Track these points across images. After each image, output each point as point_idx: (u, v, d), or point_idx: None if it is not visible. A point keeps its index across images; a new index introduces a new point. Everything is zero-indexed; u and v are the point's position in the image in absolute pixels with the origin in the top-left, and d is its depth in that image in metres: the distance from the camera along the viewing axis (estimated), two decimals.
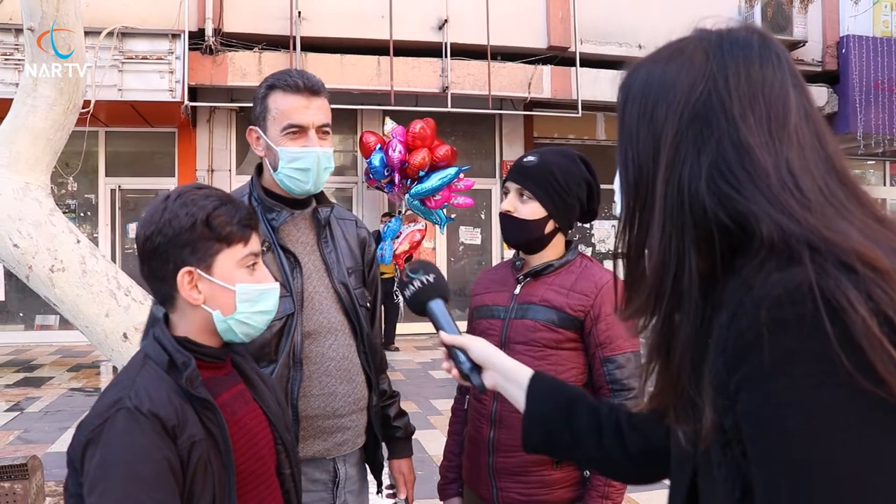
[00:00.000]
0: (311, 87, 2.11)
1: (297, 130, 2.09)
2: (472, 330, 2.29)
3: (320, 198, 2.27)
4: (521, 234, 2.16)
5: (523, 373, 1.42)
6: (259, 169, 2.22)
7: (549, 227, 2.16)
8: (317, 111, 2.12)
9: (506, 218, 2.17)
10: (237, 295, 1.56)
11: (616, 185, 1.07)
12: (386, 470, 2.40)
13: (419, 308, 1.62)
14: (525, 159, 2.17)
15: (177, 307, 1.58)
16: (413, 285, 1.63)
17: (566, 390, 1.40)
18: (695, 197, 0.91)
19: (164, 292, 1.57)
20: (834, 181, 0.89)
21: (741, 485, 0.84)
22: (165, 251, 1.52)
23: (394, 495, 2.40)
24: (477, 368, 1.48)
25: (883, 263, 0.78)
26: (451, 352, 1.51)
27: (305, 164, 2.09)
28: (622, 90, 1.03)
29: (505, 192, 2.21)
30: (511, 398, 1.43)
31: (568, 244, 2.24)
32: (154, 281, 1.57)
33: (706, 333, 0.88)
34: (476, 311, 2.29)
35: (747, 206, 0.87)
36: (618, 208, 1.07)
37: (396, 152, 10.50)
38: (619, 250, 1.03)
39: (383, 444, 2.37)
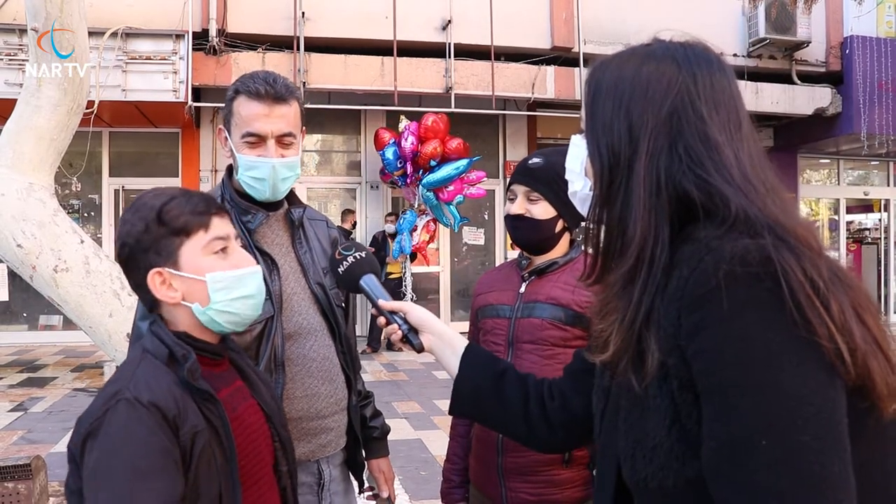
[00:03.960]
0: (273, 95, 2.03)
1: (255, 139, 2.04)
2: (476, 330, 2.29)
3: (292, 198, 2.24)
4: (534, 235, 2.16)
5: (459, 340, 1.62)
6: (230, 170, 2.18)
7: (559, 226, 2.17)
8: (278, 120, 2.04)
9: (517, 219, 2.16)
10: (208, 284, 1.53)
11: (576, 167, 1.30)
12: (365, 472, 2.40)
13: (353, 282, 1.72)
14: (530, 161, 2.17)
15: (164, 309, 1.57)
16: (347, 261, 1.72)
17: (498, 362, 1.59)
18: (670, 180, 1.08)
19: (147, 299, 1.57)
20: (770, 174, 1.11)
21: (672, 413, 1.03)
22: (134, 259, 1.53)
23: (376, 496, 2.39)
24: (414, 331, 1.63)
25: (815, 244, 1.01)
26: (389, 317, 1.64)
27: (260, 174, 2.05)
28: (590, 84, 1.20)
29: (510, 197, 2.21)
30: (444, 362, 1.61)
31: (571, 242, 2.24)
32: (137, 290, 1.58)
33: (659, 288, 1.05)
34: (480, 310, 2.28)
35: (718, 190, 1.05)
36: (577, 186, 1.31)
37: (408, 142, 10.67)
38: (596, 225, 1.18)
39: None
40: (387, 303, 1.65)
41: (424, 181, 10.71)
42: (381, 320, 1.65)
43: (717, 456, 0.96)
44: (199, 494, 1.42)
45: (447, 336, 1.62)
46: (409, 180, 11.03)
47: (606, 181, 1.15)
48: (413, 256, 11.39)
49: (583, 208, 1.30)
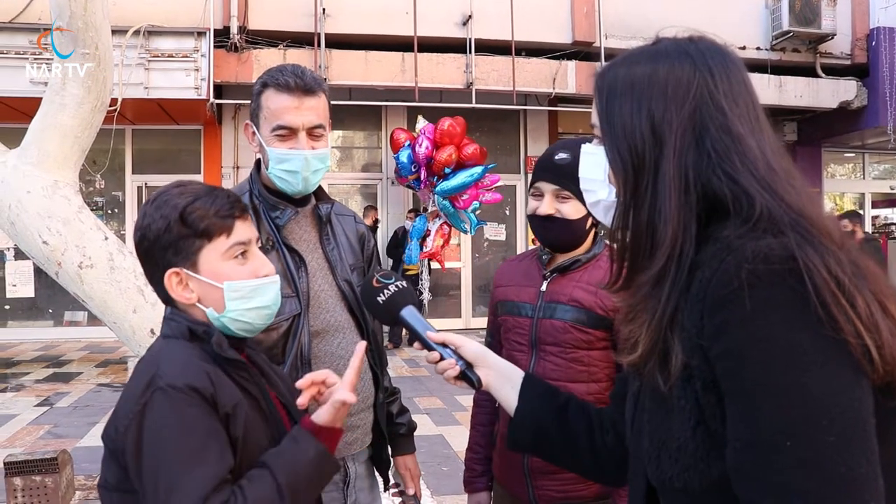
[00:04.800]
0: (303, 87, 2.03)
1: (287, 132, 2.03)
2: (497, 325, 2.26)
3: (320, 194, 2.23)
4: (565, 237, 2.10)
5: (516, 373, 1.51)
6: (258, 164, 2.17)
7: (589, 223, 2.11)
8: (308, 112, 2.04)
9: (546, 220, 2.08)
10: (225, 293, 1.51)
11: (598, 175, 1.23)
12: (391, 469, 2.39)
13: (392, 313, 1.58)
14: (556, 157, 2.07)
15: (179, 307, 1.56)
16: (388, 290, 1.59)
17: (558, 394, 1.50)
18: (699, 177, 1.07)
19: (162, 295, 1.55)
20: (789, 163, 1.10)
21: (696, 414, 1.02)
22: (152, 255, 1.51)
23: (401, 493, 2.38)
24: (470, 366, 1.50)
25: (837, 235, 1.00)
26: (441, 351, 1.50)
27: (293, 166, 2.04)
28: (601, 89, 1.17)
29: (535, 194, 2.13)
30: (502, 397, 1.50)
31: (594, 237, 2.18)
32: (152, 283, 1.56)
33: (683, 288, 1.04)
34: (501, 305, 2.23)
35: (744, 187, 1.04)
36: (602, 195, 1.24)
37: (423, 148, 10.40)
38: (622, 228, 1.15)
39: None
40: (437, 335, 1.52)
41: (438, 189, 10.47)
42: (434, 355, 1.51)
43: (742, 456, 0.95)
44: (250, 459, 1.44)
45: (504, 369, 1.52)
46: (423, 185, 10.84)
47: (632, 185, 1.12)
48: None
49: (606, 217, 1.25)
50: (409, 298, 1.60)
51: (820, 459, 0.90)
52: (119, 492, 1.42)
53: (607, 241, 2.17)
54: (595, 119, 1.19)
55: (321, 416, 1.53)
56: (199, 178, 12.09)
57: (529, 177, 12.87)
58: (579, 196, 2.01)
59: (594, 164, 1.24)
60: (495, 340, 2.30)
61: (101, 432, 1.47)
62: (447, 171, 10.34)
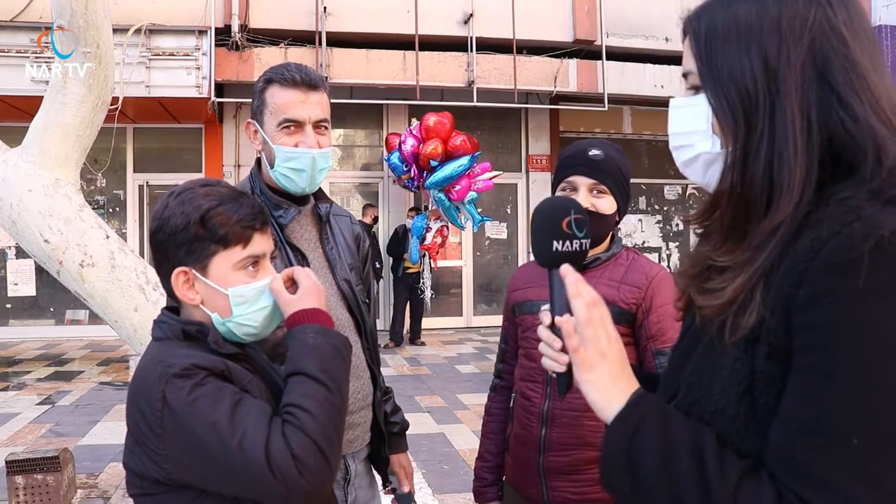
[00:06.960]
0: (308, 82, 2.05)
1: (294, 126, 2.04)
2: (515, 326, 2.26)
3: (318, 193, 2.23)
4: (600, 231, 2.08)
5: None
6: (259, 163, 2.17)
7: (616, 220, 2.12)
8: (314, 106, 2.06)
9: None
10: (231, 298, 1.50)
11: (700, 125, 1.07)
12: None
13: (552, 264, 1.34)
14: (591, 152, 2.07)
15: (182, 302, 1.55)
16: (571, 244, 1.36)
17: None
18: (822, 116, 0.95)
19: (167, 288, 1.55)
20: None
21: (747, 381, 0.93)
22: (164, 248, 1.50)
23: (394, 490, 2.40)
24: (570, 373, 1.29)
25: None
26: (557, 335, 1.27)
27: (300, 164, 2.04)
28: (697, 34, 1.06)
29: (565, 189, 2.11)
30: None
31: (612, 237, 2.18)
32: (159, 275, 1.56)
33: (789, 243, 0.93)
34: (518, 306, 2.23)
35: (874, 129, 0.92)
36: (703, 147, 1.07)
37: (408, 146, 10.46)
38: (732, 182, 1.01)
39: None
40: (567, 323, 1.20)
41: (427, 182, 10.46)
42: (556, 342, 1.25)
43: (794, 439, 0.86)
44: None
45: None
46: (416, 183, 10.84)
47: (743, 132, 1.00)
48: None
49: (705, 174, 1.09)
50: (577, 262, 1.37)
51: (882, 472, 0.81)
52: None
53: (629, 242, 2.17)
54: (691, 66, 1.07)
55: (293, 304, 1.53)
56: (201, 176, 12.08)
57: (531, 175, 12.99)
58: (614, 192, 2.05)
59: (692, 116, 1.08)
60: (510, 346, 2.31)
61: (123, 459, 1.47)
62: (433, 163, 10.31)
